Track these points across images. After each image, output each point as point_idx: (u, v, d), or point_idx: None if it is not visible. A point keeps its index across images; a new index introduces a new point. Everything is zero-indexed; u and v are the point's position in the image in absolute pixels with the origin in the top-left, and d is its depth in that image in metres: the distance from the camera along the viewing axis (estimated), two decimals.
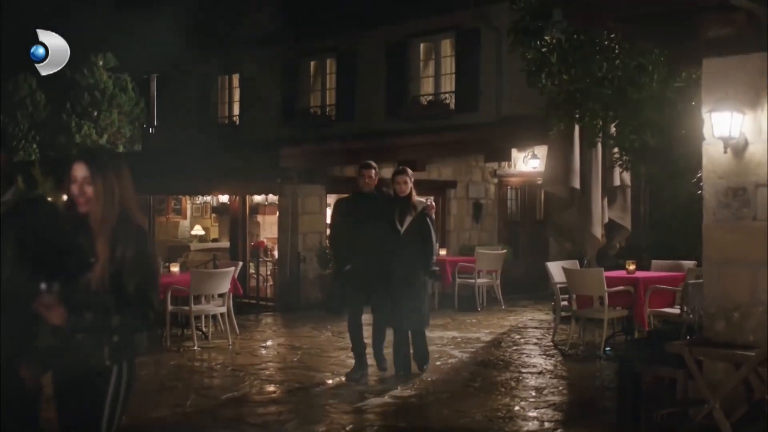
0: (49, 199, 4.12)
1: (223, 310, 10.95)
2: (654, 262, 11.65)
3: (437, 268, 9.39)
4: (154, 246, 3.70)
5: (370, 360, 8.87)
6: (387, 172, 9.82)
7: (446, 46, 17.39)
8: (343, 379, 8.59)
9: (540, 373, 9.10)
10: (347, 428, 6.89)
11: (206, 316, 11.14)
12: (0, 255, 3.68)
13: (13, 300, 3.62)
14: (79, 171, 3.60)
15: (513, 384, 8.55)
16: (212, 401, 7.81)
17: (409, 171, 8.82)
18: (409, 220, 8.57)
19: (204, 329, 11.15)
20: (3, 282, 3.67)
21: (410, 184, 8.67)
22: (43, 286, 3.42)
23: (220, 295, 10.96)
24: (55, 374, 3.73)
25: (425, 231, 8.65)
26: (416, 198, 8.72)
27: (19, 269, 3.63)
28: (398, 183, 8.65)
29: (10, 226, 3.72)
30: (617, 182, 12.89)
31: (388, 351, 8.96)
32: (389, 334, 8.94)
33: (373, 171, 8.67)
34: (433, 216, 8.89)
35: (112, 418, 3.64)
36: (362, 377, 8.58)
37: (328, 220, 12.51)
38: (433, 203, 9.38)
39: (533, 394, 8.10)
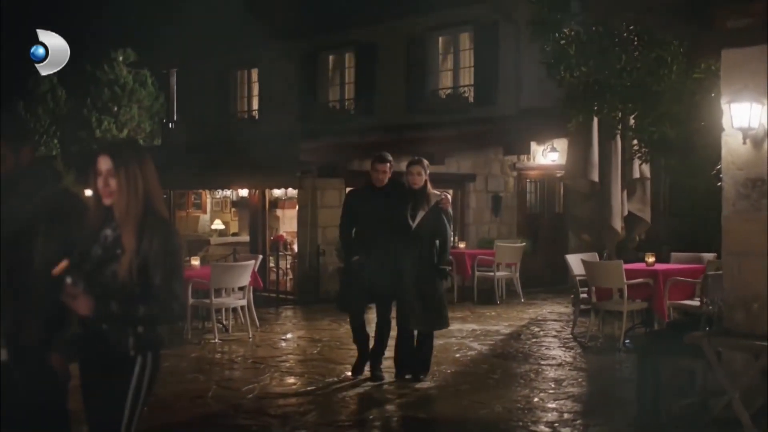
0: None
1: (244, 303, 11.02)
2: (674, 254, 11.63)
3: (449, 268, 8.66)
4: (179, 238, 3.75)
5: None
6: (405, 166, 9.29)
7: (465, 40, 17.40)
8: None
9: (559, 365, 9.11)
10: (367, 419, 6.94)
11: (227, 309, 11.21)
12: (31, 247, 3.74)
13: (42, 291, 3.68)
14: (103, 164, 3.65)
15: (532, 376, 8.57)
16: (233, 393, 7.87)
17: (425, 162, 8.20)
18: (421, 214, 7.99)
19: (224, 322, 11.22)
20: (33, 273, 3.73)
21: (425, 176, 8.08)
22: (68, 279, 3.48)
23: (241, 289, 11.04)
24: (81, 363, 3.79)
25: (439, 226, 8.06)
26: (431, 191, 8.13)
27: (48, 261, 3.70)
28: (411, 174, 8.10)
29: (40, 219, 3.78)
30: (637, 175, 12.88)
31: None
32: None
33: (388, 165, 8.21)
34: (450, 210, 8.27)
35: (134, 407, 3.70)
36: (362, 372, 8.39)
37: None
38: (449, 196, 8.49)
39: (552, 385, 8.12)
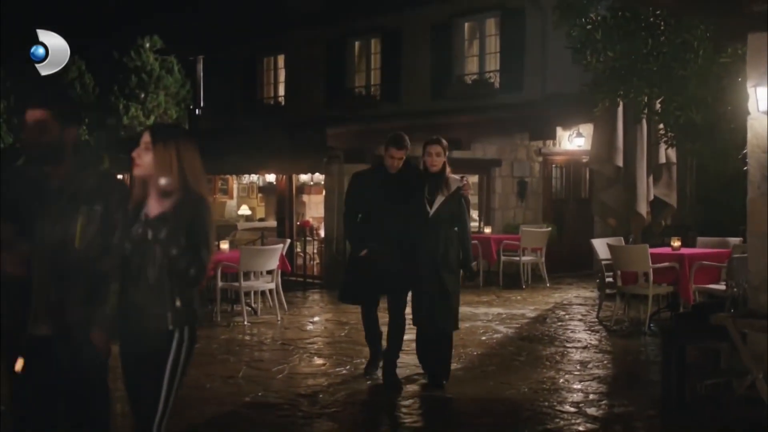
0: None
1: (272, 286, 11.17)
2: (700, 239, 11.66)
3: (475, 262, 7.96)
4: (211, 215, 3.89)
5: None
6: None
7: (491, 26, 17.40)
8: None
9: (585, 347, 9.19)
10: (395, 399, 7.05)
11: (255, 292, 11.37)
12: (74, 226, 3.88)
13: (83, 270, 3.82)
14: (144, 137, 3.84)
15: (558, 358, 8.65)
16: (263, 373, 8.01)
17: (444, 142, 7.35)
18: (440, 200, 7.19)
19: (253, 305, 11.38)
20: (75, 252, 3.86)
21: (444, 158, 7.27)
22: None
23: (269, 272, 11.19)
24: (122, 339, 3.94)
25: (460, 214, 7.30)
26: (451, 175, 7.35)
27: (89, 241, 3.84)
28: (430, 155, 7.23)
29: (85, 200, 3.92)
30: (663, 159, 12.88)
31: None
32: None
33: (404, 151, 7.33)
34: (469, 197, 7.58)
35: (172, 381, 3.83)
36: (376, 370, 7.72)
37: None
38: (469, 181, 7.64)
39: (578, 367, 8.21)
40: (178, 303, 3.80)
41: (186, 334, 3.87)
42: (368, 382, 7.61)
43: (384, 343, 7.62)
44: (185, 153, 3.84)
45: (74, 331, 3.87)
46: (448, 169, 7.32)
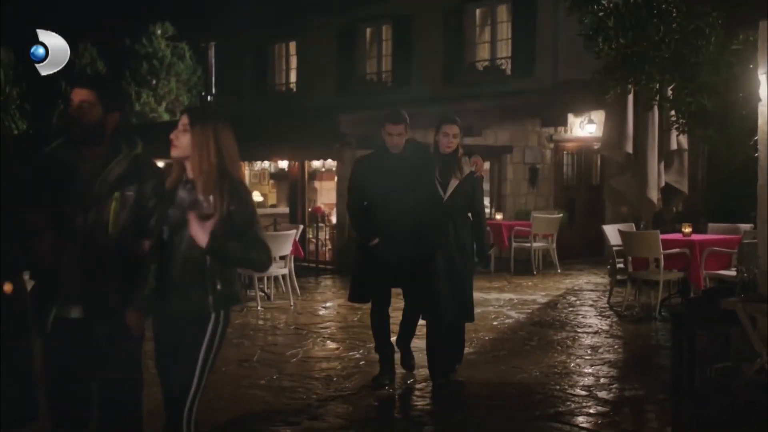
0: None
1: (285, 271, 11.28)
2: (711, 225, 11.71)
3: (491, 251, 7.55)
4: (252, 199, 3.99)
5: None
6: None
7: (502, 12, 17.44)
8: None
9: (595, 332, 9.27)
10: (408, 382, 7.15)
11: (268, 278, 11.47)
12: (108, 210, 3.97)
13: (117, 252, 3.91)
14: (182, 119, 3.95)
15: (569, 343, 8.73)
16: (277, 357, 8.12)
17: (459, 121, 6.86)
18: (454, 184, 6.74)
19: (267, 290, 11.49)
20: (109, 235, 3.96)
21: (459, 140, 6.82)
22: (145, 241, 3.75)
23: (282, 258, 11.29)
24: (156, 321, 4.03)
25: (476, 198, 6.89)
26: (463, 156, 6.91)
27: (123, 224, 3.93)
28: (446, 135, 6.75)
29: (118, 185, 4.01)
30: (674, 146, 12.89)
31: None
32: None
33: (403, 126, 6.74)
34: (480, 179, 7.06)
35: (206, 363, 3.92)
36: (391, 382, 7.06)
37: None
38: (480, 161, 7.01)
39: (589, 352, 8.29)
40: (218, 286, 3.89)
41: (222, 316, 3.95)
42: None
43: (396, 355, 7.21)
44: (222, 135, 3.92)
45: (108, 314, 3.95)
46: (460, 151, 6.87)
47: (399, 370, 7.26)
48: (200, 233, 3.72)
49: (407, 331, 7.23)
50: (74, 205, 3.92)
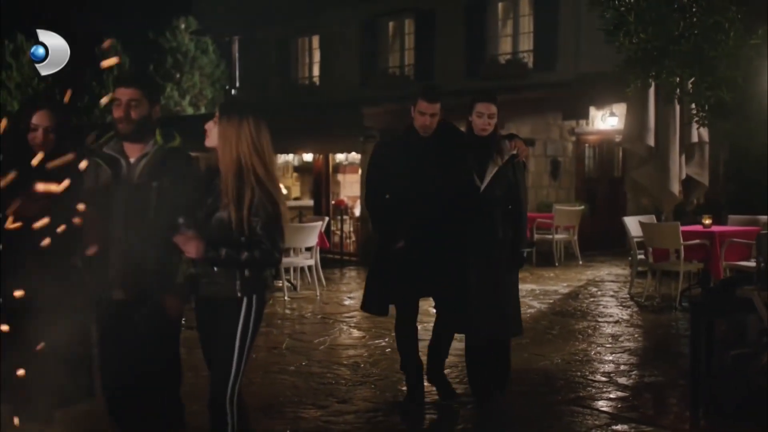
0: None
1: (311, 262, 11.52)
2: (731, 217, 11.83)
3: (530, 249, 5.87)
4: (278, 192, 4.18)
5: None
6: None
7: (524, 5, 17.57)
8: (428, 326, 7.61)
9: (616, 322, 9.44)
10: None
11: (295, 269, 11.72)
12: (148, 198, 4.20)
13: (156, 240, 4.14)
14: (216, 112, 4.17)
15: (590, 332, 8.91)
16: (305, 344, 8.36)
17: (497, 98, 5.94)
18: (492, 171, 5.80)
19: (293, 281, 11.73)
20: (148, 222, 4.19)
21: (496, 120, 5.87)
22: (181, 220, 3.95)
23: (308, 249, 11.53)
24: (196, 306, 4.26)
25: (517, 187, 5.90)
26: (503, 138, 5.98)
27: (161, 212, 4.16)
28: (481, 115, 5.80)
29: (156, 175, 4.24)
30: (695, 139, 13.00)
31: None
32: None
33: (439, 105, 5.83)
34: (526, 163, 6.29)
35: (243, 347, 4.13)
36: (420, 406, 6.21)
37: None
38: (522, 143, 6.07)
39: (609, 340, 8.47)
40: (246, 272, 4.09)
41: (254, 301, 4.15)
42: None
43: (424, 376, 6.31)
44: (251, 129, 4.10)
45: (147, 297, 4.20)
46: (499, 132, 5.95)
47: (429, 390, 6.43)
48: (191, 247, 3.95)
49: (438, 352, 6.29)
50: (118, 196, 4.16)
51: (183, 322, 4.48)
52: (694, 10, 8.20)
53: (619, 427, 5.77)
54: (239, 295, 4.09)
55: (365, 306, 6.24)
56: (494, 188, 5.83)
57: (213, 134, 4.11)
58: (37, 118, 4.22)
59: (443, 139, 5.88)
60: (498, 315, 5.88)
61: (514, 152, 5.89)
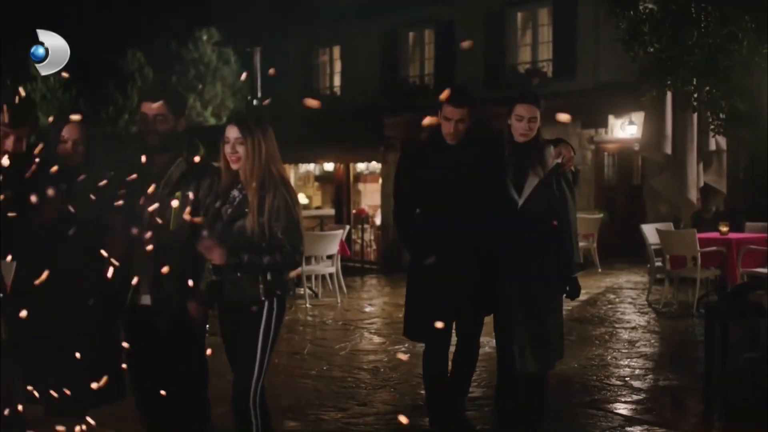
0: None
1: (332, 270, 11.69)
2: (748, 224, 11.88)
3: (581, 271, 5.29)
4: (296, 196, 4.35)
5: None
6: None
7: (543, 15, 17.72)
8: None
9: (633, 328, 9.55)
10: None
11: (316, 276, 11.90)
12: (172, 210, 4.39)
13: (178, 246, 4.32)
14: (232, 132, 4.26)
15: (607, 337, 9.03)
16: (326, 350, 8.53)
17: (541, 101, 5.18)
18: (533, 183, 5.13)
19: (314, 288, 11.91)
20: (170, 230, 4.38)
21: (539, 124, 5.15)
22: (204, 233, 4.12)
23: (329, 257, 11.70)
24: (219, 310, 4.43)
25: (562, 202, 5.18)
26: (545, 144, 5.23)
27: (185, 221, 4.34)
28: (521, 118, 5.09)
29: (180, 185, 4.44)
30: (713, 147, 13.12)
31: None
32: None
33: (466, 111, 5.11)
34: (575, 172, 5.39)
35: (265, 349, 4.28)
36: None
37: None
38: (568, 150, 5.29)
39: (626, 346, 8.58)
40: (269, 276, 4.26)
41: (276, 304, 4.31)
42: None
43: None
44: (269, 141, 4.25)
45: (171, 302, 4.39)
46: (542, 139, 5.22)
47: None
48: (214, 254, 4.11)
49: (460, 382, 5.57)
50: (144, 204, 4.35)
51: (206, 327, 4.66)
52: (708, 20, 8.35)
53: (633, 429, 5.88)
54: (262, 298, 4.26)
55: (406, 332, 5.52)
56: (534, 203, 5.11)
57: (242, 155, 4.22)
58: (68, 131, 4.40)
59: (476, 146, 5.18)
60: (538, 346, 5.16)
61: (559, 160, 5.15)
